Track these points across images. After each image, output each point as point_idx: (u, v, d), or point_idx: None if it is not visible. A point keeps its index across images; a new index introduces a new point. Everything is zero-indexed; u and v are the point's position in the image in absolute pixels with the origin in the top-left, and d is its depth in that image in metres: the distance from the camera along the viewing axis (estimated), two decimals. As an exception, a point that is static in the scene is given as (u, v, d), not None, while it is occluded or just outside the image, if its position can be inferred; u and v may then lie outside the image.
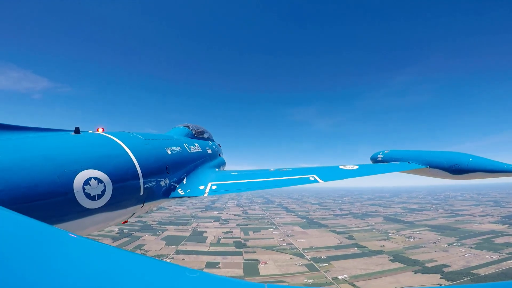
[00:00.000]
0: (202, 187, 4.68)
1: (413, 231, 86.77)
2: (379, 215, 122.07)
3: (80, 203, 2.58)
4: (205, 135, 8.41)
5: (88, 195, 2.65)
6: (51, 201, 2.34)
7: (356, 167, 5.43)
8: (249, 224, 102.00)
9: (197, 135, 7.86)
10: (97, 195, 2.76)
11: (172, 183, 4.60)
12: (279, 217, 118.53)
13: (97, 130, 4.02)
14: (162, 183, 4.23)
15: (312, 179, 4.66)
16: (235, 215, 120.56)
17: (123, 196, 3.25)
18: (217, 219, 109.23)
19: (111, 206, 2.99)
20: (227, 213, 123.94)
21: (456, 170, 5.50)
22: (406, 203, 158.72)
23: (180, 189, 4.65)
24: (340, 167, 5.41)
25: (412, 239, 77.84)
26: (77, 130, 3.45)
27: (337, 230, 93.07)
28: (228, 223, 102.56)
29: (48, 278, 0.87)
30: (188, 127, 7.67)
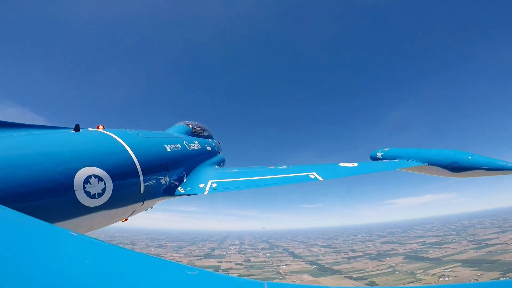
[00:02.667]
0: (202, 185, 4.64)
1: (444, 269, 75.58)
2: (397, 253, 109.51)
3: (80, 201, 2.56)
4: (205, 133, 8.35)
5: (88, 194, 2.64)
6: (51, 199, 2.30)
7: (356, 164, 5.33)
8: (253, 274, 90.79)
9: (197, 133, 7.82)
10: (97, 193, 2.74)
11: (172, 181, 4.57)
12: (286, 265, 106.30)
13: (97, 128, 3.97)
14: (162, 181, 4.21)
15: (312, 176, 4.57)
16: (236, 263, 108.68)
17: (123, 194, 3.23)
18: (216, 268, 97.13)
19: (111, 204, 2.96)
20: (227, 262, 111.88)
21: (456, 167, 5.48)
22: (423, 237, 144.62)
23: (180, 187, 4.64)
24: (339, 164, 5.31)
25: (447, 278, 66.97)
26: (77, 128, 3.43)
27: (354, 276, 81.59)
28: (228, 274, 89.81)
29: (49, 276, 0.85)
30: (188, 125, 7.71)
